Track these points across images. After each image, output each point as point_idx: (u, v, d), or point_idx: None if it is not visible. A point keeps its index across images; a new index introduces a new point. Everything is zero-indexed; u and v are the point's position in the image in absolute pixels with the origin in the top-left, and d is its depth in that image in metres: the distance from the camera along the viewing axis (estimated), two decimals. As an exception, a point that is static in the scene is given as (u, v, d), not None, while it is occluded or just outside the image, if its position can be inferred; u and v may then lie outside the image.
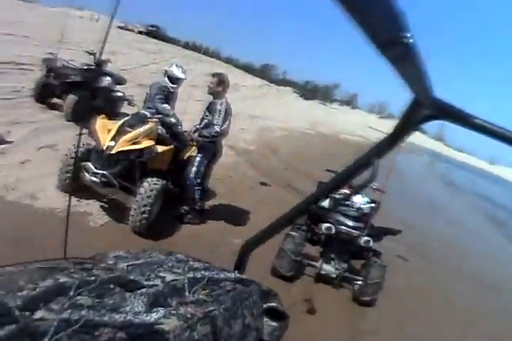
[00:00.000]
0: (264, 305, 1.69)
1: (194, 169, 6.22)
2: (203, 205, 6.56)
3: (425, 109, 1.11)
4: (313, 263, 5.82)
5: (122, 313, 1.21)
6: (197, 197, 6.32)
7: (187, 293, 1.43)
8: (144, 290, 1.37)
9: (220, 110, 6.04)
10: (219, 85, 6.15)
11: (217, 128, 6.01)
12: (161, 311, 1.27)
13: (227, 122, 6.14)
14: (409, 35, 0.66)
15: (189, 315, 1.29)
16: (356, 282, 5.75)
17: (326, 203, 5.80)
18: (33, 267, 1.35)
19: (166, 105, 6.57)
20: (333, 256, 5.77)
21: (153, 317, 1.23)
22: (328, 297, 5.74)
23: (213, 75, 6.31)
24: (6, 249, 4.28)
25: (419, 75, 0.85)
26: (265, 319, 1.66)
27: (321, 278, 5.84)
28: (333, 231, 5.48)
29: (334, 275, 5.69)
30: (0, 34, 12.14)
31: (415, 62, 0.78)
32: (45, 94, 9.85)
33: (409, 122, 1.18)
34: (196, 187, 6.27)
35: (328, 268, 5.72)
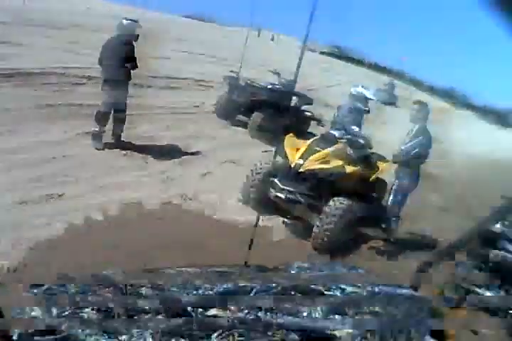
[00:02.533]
0: (430, 323, 1.67)
1: (391, 198, 6.05)
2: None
3: None
4: (477, 289, 5.34)
5: (299, 318, 1.31)
6: (393, 227, 6.13)
7: (363, 305, 1.52)
8: (323, 298, 1.49)
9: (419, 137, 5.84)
10: (421, 112, 5.94)
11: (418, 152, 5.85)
12: (337, 319, 1.37)
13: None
14: None
15: (362, 324, 1.36)
16: None
17: (497, 228, 5.48)
18: (212, 270, 1.56)
19: (355, 127, 6.49)
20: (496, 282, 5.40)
21: (328, 323, 1.32)
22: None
23: (414, 103, 6.18)
24: (183, 256, 4.37)
25: None
26: (427, 337, 1.62)
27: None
28: (501, 258, 5.22)
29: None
30: (176, 51, 12.89)
31: None
32: (228, 111, 10.31)
33: None
34: (393, 218, 6.08)
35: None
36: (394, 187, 6.09)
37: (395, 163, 6.16)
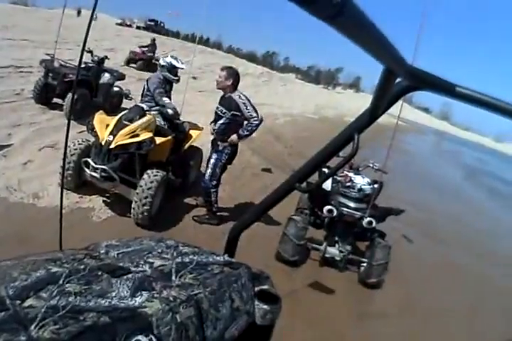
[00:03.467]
0: (256, 288, 1.68)
1: (209, 171, 6.11)
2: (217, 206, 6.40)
3: (401, 79, 1.09)
4: (317, 246, 5.77)
5: (108, 298, 1.25)
6: (213, 198, 6.19)
7: (173, 278, 1.46)
8: (130, 275, 1.41)
9: (244, 103, 5.81)
10: (228, 79, 5.92)
11: (256, 121, 5.82)
12: (145, 295, 1.31)
13: (257, 110, 5.90)
14: None
15: (171, 298, 1.32)
16: (361, 264, 5.72)
17: (328, 186, 5.85)
18: (28, 259, 1.40)
19: (165, 98, 6.46)
20: (336, 238, 5.72)
21: (137, 301, 1.27)
22: (334, 281, 5.66)
23: (222, 69, 6.10)
24: (12, 249, 4.24)
25: (379, 43, 0.81)
26: (256, 302, 1.65)
27: (326, 262, 5.81)
28: (335, 213, 5.39)
29: (339, 258, 5.64)
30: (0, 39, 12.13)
31: (366, 28, 0.73)
32: (45, 95, 9.89)
33: (386, 95, 1.14)
34: (212, 190, 6.13)
35: (333, 251, 5.67)
36: (212, 161, 6.10)
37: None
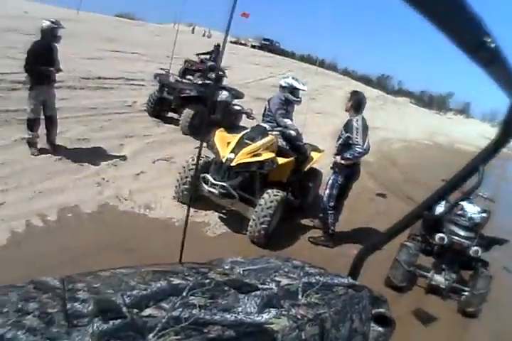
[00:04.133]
0: (373, 311, 1.68)
1: (327, 192, 6.07)
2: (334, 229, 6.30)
3: None
4: (425, 273, 5.70)
5: (234, 313, 1.25)
6: (330, 220, 6.11)
7: (300, 296, 1.46)
8: (257, 292, 1.41)
9: (356, 127, 5.76)
10: (350, 102, 5.92)
11: (359, 149, 5.74)
12: (273, 312, 1.31)
13: (367, 139, 5.84)
14: (490, 39, 0.72)
15: (299, 316, 1.32)
16: (463, 293, 5.59)
17: (440, 212, 5.72)
18: (146, 270, 1.43)
19: (287, 119, 6.43)
20: (444, 266, 5.67)
21: (264, 317, 1.27)
22: (436, 308, 5.56)
23: (350, 93, 6.10)
24: (120, 258, 4.39)
25: (510, 78, 0.88)
26: (372, 324, 1.66)
27: (432, 289, 5.74)
28: (446, 241, 5.37)
29: (444, 286, 5.56)
30: (109, 51, 12.60)
31: (503, 65, 0.82)
32: (159, 109, 10.14)
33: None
34: (330, 211, 6.06)
35: (439, 279, 5.61)
36: (329, 181, 6.07)
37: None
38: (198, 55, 12.81)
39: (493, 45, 0.71)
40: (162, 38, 22.85)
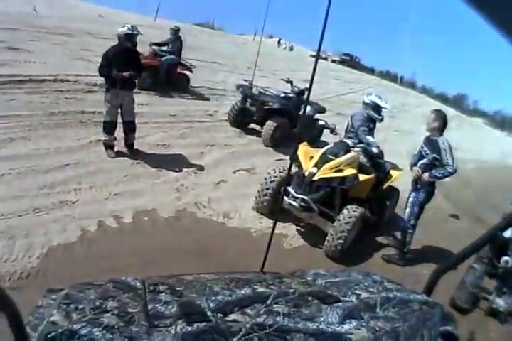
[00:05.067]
0: (442, 328, 1.69)
1: (408, 210, 6.05)
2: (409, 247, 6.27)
3: None
4: (487, 296, 5.60)
5: (316, 322, 1.31)
6: (408, 239, 6.09)
7: (378, 310, 1.52)
8: (340, 304, 1.48)
9: (445, 149, 5.75)
10: (436, 121, 5.87)
11: (450, 169, 5.73)
12: (353, 323, 1.36)
13: (455, 160, 5.83)
14: None
15: (377, 328, 1.37)
16: None
17: (508, 235, 5.52)
18: (229, 276, 1.50)
19: (370, 137, 6.44)
20: (505, 290, 5.55)
21: (344, 327, 1.32)
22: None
23: (432, 111, 6.07)
24: (196, 264, 4.47)
25: None
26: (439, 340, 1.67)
27: (491, 312, 5.60)
28: (510, 264, 5.26)
29: (502, 310, 5.44)
30: (190, 59, 12.87)
31: None
32: (241, 119, 10.28)
33: None
34: (410, 230, 6.04)
35: (499, 302, 5.48)
36: (410, 199, 6.05)
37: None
38: (152, 45, 11.97)
39: None
40: (241, 49, 23.12)
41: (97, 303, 1.24)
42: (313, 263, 5.44)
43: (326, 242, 5.60)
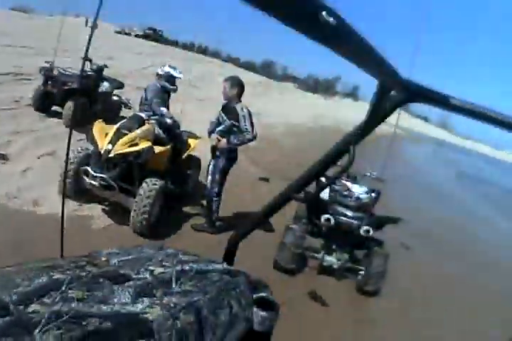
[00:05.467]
0: (254, 296, 1.71)
1: (209, 178, 6.18)
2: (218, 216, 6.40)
3: (396, 92, 1.12)
4: (315, 255, 5.82)
5: (110, 304, 1.27)
6: (214, 207, 6.26)
7: (173, 285, 1.48)
8: (131, 282, 1.43)
9: (244, 115, 5.86)
10: (233, 88, 5.98)
11: (248, 136, 5.84)
12: (146, 301, 1.33)
13: (254, 127, 5.95)
14: (325, 13, 0.61)
15: (172, 305, 1.34)
16: (359, 272, 5.76)
17: (326, 195, 5.87)
18: (30, 266, 1.42)
19: (163, 108, 6.47)
20: (334, 247, 5.78)
21: (138, 307, 1.29)
22: (331, 288, 5.74)
23: (225, 80, 6.17)
24: (10, 256, 4.29)
25: (372, 59, 0.84)
26: (255, 309, 1.68)
27: (324, 270, 5.86)
28: (333, 222, 5.44)
29: (336, 266, 5.71)
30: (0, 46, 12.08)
31: (359, 46, 0.76)
32: (44, 103, 9.90)
33: (382, 107, 1.19)
34: (214, 198, 6.21)
35: (330, 260, 5.74)
36: (210, 167, 6.15)
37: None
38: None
39: (328, 20, 0.60)
40: (49, 31, 21.91)
41: None
42: (124, 243, 5.27)
43: (131, 219, 5.58)
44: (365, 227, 5.41)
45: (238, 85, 6.05)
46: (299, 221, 5.92)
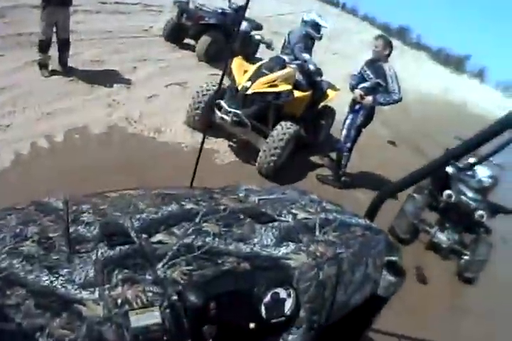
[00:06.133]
0: (386, 258, 1.63)
1: (344, 132, 6.00)
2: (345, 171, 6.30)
3: None
4: (429, 229, 5.69)
5: (250, 244, 1.21)
6: (343, 162, 6.09)
7: (317, 233, 1.42)
8: (275, 223, 1.37)
9: (391, 76, 5.64)
10: (386, 48, 5.71)
11: (395, 97, 5.64)
12: (291, 246, 1.27)
13: (401, 89, 5.73)
14: None
15: (318, 254, 1.28)
16: (463, 256, 5.56)
17: (450, 170, 5.66)
18: (156, 192, 1.38)
19: (306, 54, 6.30)
20: (447, 225, 5.65)
21: (281, 251, 1.23)
22: (435, 267, 5.55)
23: (377, 38, 5.88)
24: (127, 181, 4.35)
25: None
26: (384, 272, 1.60)
27: (433, 246, 5.73)
28: (453, 199, 5.30)
29: (445, 245, 5.57)
30: None
31: None
32: (176, 34, 9.97)
33: None
34: (345, 153, 6.04)
35: (441, 237, 5.61)
36: (348, 121, 5.98)
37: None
38: None
39: None
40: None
41: (18, 230, 1.12)
42: (246, 180, 5.24)
43: (258, 159, 5.54)
44: (480, 212, 5.23)
45: (390, 46, 5.80)
46: (421, 191, 5.76)
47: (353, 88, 5.93)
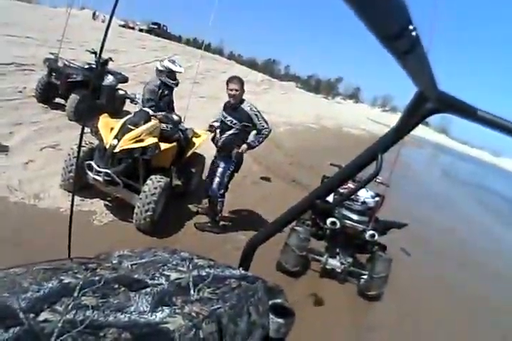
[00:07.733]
0: (270, 302, 1.65)
1: (217, 180, 6.10)
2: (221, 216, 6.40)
3: (430, 102, 1.10)
4: (319, 257, 5.79)
5: (127, 313, 1.20)
6: (219, 208, 6.24)
7: (192, 292, 1.41)
8: (148, 289, 1.36)
9: (255, 114, 5.83)
10: (242, 89, 5.89)
11: (266, 132, 5.85)
12: (166, 310, 1.26)
13: (267, 121, 5.91)
14: (413, 27, 0.65)
15: (194, 314, 1.28)
16: (362, 276, 5.74)
17: (330, 198, 5.81)
18: (37, 268, 1.34)
19: (165, 103, 6.50)
20: (338, 250, 5.75)
21: (158, 316, 1.23)
22: (334, 291, 5.73)
23: (231, 81, 5.96)
24: (10, 252, 4.25)
25: (423, 68, 0.85)
26: (271, 316, 1.62)
27: (327, 273, 5.84)
28: (338, 225, 5.43)
29: (339, 270, 5.67)
30: (2, 35, 11.95)
31: (419, 56, 0.77)
32: (47, 95, 9.82)
33: (414, 116, 1.16)
34: (220, 199, 6.18)
35: (334, 263, 5.69)
36: (220, 170, 6.07)
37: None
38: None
39: (414, 34, 0.66)
40: (54, 22, 21.86)
41: None
42: (127, 239, 5.41)
43: (134, 215, 5.55)
44: (371, 232, 5.41)
45: (243, 85, 5.97)
46: (303, 223, 5.87)
47: (216, 142, 6.12)
